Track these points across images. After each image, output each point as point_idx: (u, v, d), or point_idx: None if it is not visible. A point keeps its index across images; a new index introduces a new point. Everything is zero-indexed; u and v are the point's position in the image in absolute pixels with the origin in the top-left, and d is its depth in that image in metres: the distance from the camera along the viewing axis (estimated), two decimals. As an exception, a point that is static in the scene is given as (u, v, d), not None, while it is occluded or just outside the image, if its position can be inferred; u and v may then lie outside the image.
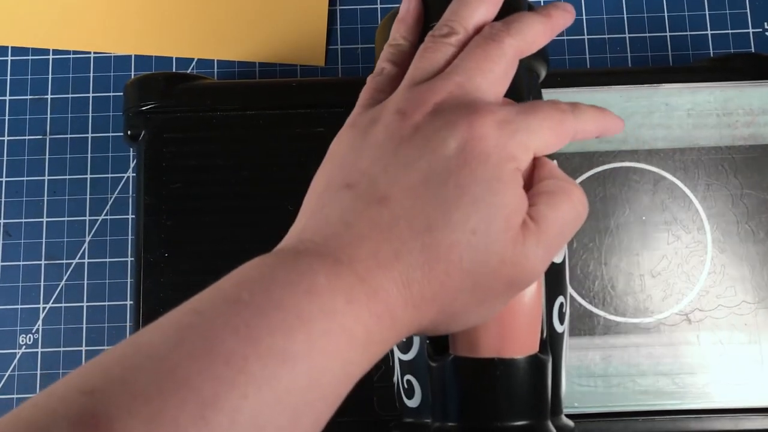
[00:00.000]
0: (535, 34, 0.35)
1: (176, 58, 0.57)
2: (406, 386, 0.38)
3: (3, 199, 0.54)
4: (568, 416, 0.39)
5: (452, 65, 0.34)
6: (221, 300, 0.28)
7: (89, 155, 0.55)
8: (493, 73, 0.33)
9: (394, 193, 0.31)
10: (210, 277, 0.45)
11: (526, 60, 0.37)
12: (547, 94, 0.46)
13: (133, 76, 0.52)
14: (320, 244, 0.30)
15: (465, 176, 0.31)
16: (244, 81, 0.54)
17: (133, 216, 0.52)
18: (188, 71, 0.56)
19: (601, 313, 0.44)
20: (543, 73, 0.42)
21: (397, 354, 0.38)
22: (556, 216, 0.32)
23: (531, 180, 0.34)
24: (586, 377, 0.44)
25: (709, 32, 0.57)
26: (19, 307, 0.53)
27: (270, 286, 0.28)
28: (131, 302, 0.51)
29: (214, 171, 0.47)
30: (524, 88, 0.37)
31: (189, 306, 0.28)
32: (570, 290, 0.45)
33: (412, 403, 0.38)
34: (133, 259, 0.50)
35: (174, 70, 0.56)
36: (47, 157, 0.55)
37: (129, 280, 0.52)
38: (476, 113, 0.32)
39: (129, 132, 0.48)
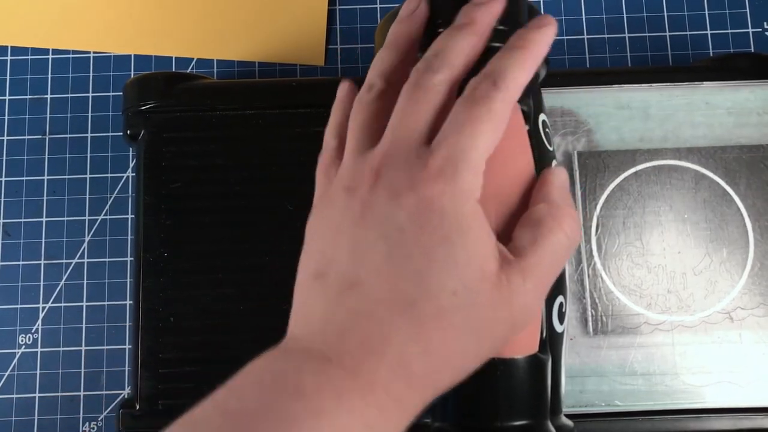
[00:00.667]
0: (515, 78, 0.33)
1: (176, 58, 0.57)
2: None
3: (3, 199, 0.54)
4: (607, 414, 0.39)
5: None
6: (213, 409, 0.28)
7: (89, 155, 0.55)
8: (483, 135, 0.31)
9: (364, 276, 0.30)
10: (209, 277, 0.45)
11: None
12: (548, 93, 0.46)
13: (132, 76, 0.52)
14: (307, 341, 0.30)
15: (426, 242, 0.30)
16: (244, 81, 0.54)
17: (133, 216, 0.52)
18: (188, 71, 0.56)
19: (644, 311, 0.44)
20: (543, 73, 0.42)
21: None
22: (544, 248, 0.32)
23: (527, 196, 0.34)
24: (628, 376, 0.44)
25: (708, 32, 0.57)
26: (19, 306, 0.53)
27: (259, 390, 0.28)
28: (131, 302, 0.51)
29: (214, 171, 0.47)
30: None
31: (186, 418, 0.29)
32: (613, 289, 0.45)
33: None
34: (132, 258, 0.50)
35: (174, 70, 0.56)
36: (47, 156, 0.55)
37: (128, 279, 0.52)
38: (415, 173, 0.31)
39: (129, 132, 0.48)
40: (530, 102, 0.38)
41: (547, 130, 0.40)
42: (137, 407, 0.44)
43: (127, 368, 0.52)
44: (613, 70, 0.54)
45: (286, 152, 0.47)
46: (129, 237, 0.53)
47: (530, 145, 0.36)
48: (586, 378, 0.43)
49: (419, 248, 0.30)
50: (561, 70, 0.49)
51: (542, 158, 0.39)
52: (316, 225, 0.34)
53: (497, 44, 0.37)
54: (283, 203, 0.46)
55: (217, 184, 0.47)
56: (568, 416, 0.38)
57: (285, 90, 0.48)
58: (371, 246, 0.31)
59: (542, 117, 0.40)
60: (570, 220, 0.33)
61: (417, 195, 0.30)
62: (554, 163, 0.40)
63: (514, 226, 0.33)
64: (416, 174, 0.31)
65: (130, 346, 0.51)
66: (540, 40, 0.34)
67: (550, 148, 0.40)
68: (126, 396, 0.51)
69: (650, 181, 0.46)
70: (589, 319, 0.44)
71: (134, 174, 0.53)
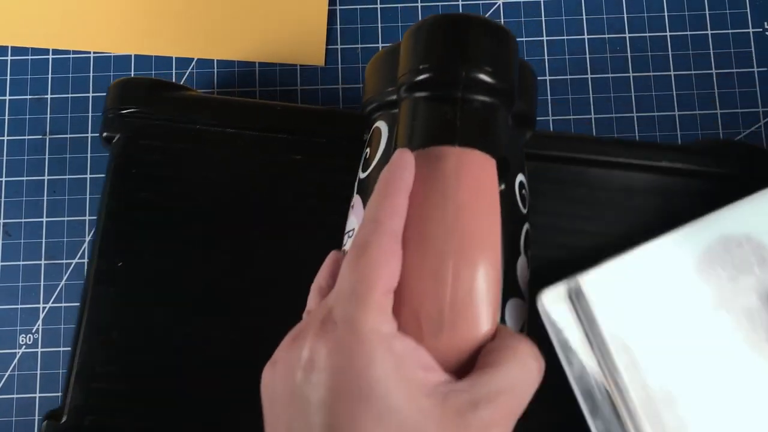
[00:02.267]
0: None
1: (176, 58, 0.56)
2: None
3: (3, 199, 0.55)
4: None
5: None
6: None
7: (89, 155, 0.55)
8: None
9: None
10: (162, 294, 0.43)
11: (509, 116, 0.36)
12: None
13: (132, 76, 0.52)
14: None
15: (355, 414, 0.28)
16: (227, 98, 0.51)
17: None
18: (186, 71, 0.56)
19: None
20: (528, 134, 0.41)
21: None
22: (496, 378, 0.30)
23: (487, 255, 0.33)
24: None
25: (709, 32, 0.56)
26: (19, 307, 0.53)
27: None
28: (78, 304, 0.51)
29: (184, 185, 0.45)
30: (503, 146, 0.36)
31: None
32: None
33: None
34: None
35: (173, 71, 0.56)
36: (47, 156, 0.55)
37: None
38: (315, 341, 0.30)
39: (104, 134, 0.46)
40: (507, 160, 0.36)
41: (523, 191, 0.39)
42: (63, 419, 0.42)
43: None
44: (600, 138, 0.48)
45: (260, 176, 0.45)
46: (127, 238, 0.53)
47: (500, 205, 0.34)
48: None
49: (352, 423, 0.28)
50: (545, 132, 0.46)
51: (513, 220, 0.37)
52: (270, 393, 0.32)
53: (487, 99, 0.36)
54: (250, 229, 0.44)
55: (184, 199, 0.45)
56: None
57: (267, 113, 0.47)
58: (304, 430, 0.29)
59: (520, 177, 0.38)
60: (525, 345, 0.31)
61: (320, 366, 0.29)
62: (526, 226, 0.38)
63: (476, 285, 0.32)
64: (320, 334, 0.30)
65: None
66: (398, 169, 0.34)
67: (524, 211, 0.38)
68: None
69: None
70: None
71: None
